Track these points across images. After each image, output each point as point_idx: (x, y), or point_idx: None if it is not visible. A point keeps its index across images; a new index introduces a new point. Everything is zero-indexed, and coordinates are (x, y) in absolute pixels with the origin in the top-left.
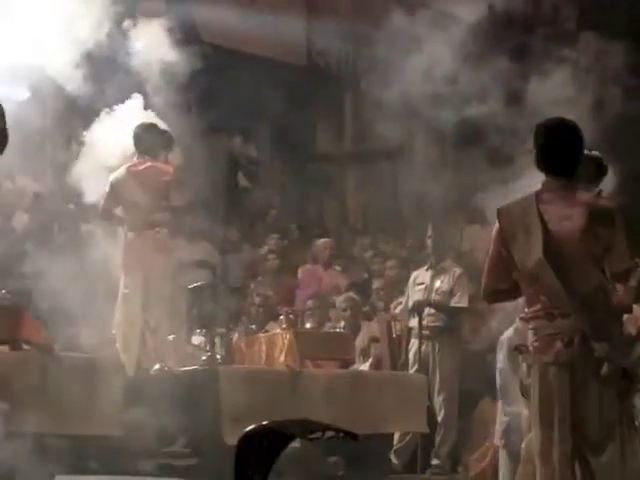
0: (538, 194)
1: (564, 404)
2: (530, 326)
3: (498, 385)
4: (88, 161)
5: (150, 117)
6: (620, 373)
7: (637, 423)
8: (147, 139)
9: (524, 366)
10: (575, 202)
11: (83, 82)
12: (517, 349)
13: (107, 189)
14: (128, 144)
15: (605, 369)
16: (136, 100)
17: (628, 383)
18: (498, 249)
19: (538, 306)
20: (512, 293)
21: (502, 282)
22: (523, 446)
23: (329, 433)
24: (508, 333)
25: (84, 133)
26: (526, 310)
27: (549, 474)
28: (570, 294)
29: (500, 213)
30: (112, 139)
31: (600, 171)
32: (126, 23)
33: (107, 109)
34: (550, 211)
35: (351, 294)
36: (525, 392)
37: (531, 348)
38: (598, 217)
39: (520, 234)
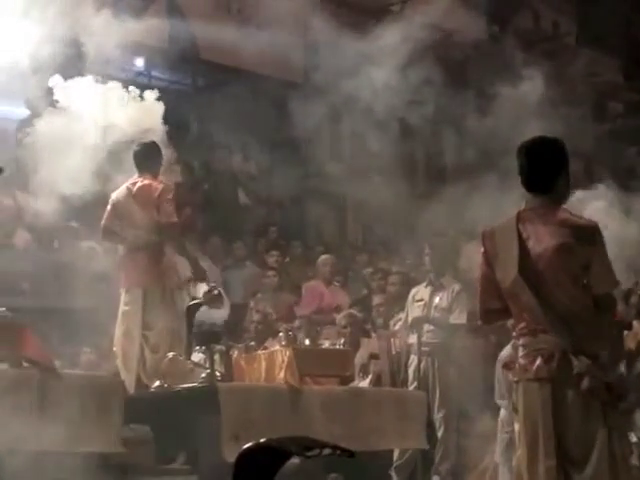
0: (519, 213)
1: (547, 420)
2: (519, 343)
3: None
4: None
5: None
6: (603, 388)
7: (635, 439)
8: (147, 157)
9: (512, 383)
10: (554, 220)
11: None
12: (505, 366)
13: (109, 207)
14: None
15: (586, 384)
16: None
17: (613, 398)
18: (485, 270)
19: (523, 323)
20: (505, 312)
21: (493, 302)
22: (513, 463)
23: (326, 450)
24: (507, 350)
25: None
26: (516, 328)
27: None
28: (548, 311)
29: (484, 235)
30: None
31: None
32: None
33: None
34: (528, 229)
35: (351, 311)
36: (514, 408)
37: (517, 365)
38: (577, 235)
39: (501, 253)
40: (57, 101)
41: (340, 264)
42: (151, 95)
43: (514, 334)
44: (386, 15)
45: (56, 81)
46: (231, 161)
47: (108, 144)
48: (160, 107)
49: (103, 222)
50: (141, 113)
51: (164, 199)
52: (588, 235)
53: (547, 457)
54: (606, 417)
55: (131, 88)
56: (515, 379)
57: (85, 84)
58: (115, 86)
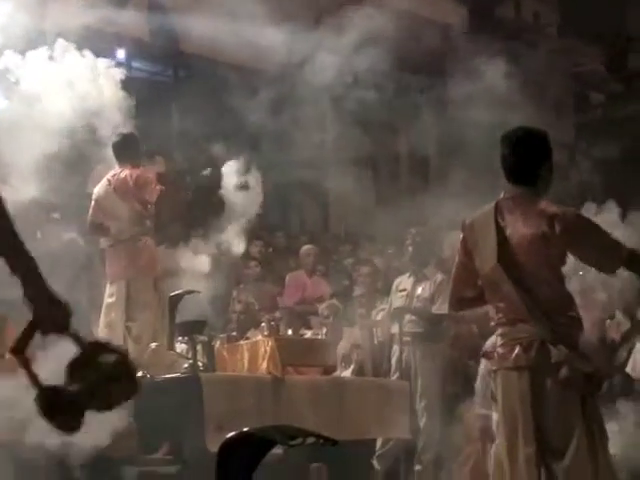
0: (498, 202)
1: (526, 408)
2: (498, 332)
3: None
4: None
5: None
6: (581, 377)
7: (618, 427)
8: (125, 148)
9: (491, 372)
10: (533, 210)
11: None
12: (484, 355)
13: (92, 202)
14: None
15: (564, 373)
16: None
17: (593, 388)
18: (462, 258)
19: (501, 313)
20: (478, 301)
21: (468, 290)
22: (492, 452)
23: (310, 439)
24: (491, 340)
25: None
26: (494, 317)
27: (516, 477)
28: (527, 300)
29: (463, 225)
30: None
31: None
32: None
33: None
34: (507, 219)
35: (333, 301)
36: (493, 397)
37: (496, 354)
38: (555, 225)
39: (480, 242)
40: (16, 82)
41: (323, 254)
42: (104, 63)
43: (492, 324)
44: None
45: (12, 59)
46: (212, 152)
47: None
48: (117, 74)
49: (89, 217)
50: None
51: (142, 183)
52: (568, 224)
53: (526, 445)
54: (585, 406)
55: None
56: (494, 368)
57: (41, 60)
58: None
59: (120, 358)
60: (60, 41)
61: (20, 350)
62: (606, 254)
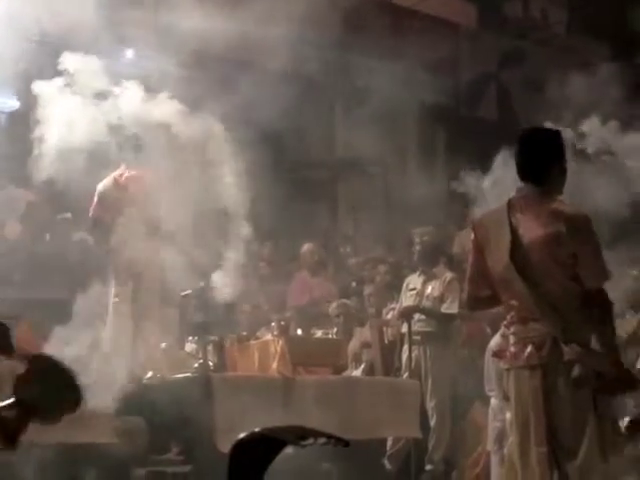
0: (510, 201)
1: (538, 407)
2: (509, 331)
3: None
4: None
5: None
6: (593, 376)
7: (626, 424)
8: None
9: (503, 371)
10: (544, 210)
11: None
12: (496, 355)
13: (95, 199)
14: None
15: (576, 371)
16: None
17: (605, 386)
18: (476, 258)
19: (513, 312)
20: (494, 300)
21: (483, 290)
22: (505, 451)
23: (321, 440)
24: (495, 339)
25: None
26: (506, 316)
27: (529, 477)
28: (539, 298)
29: (475, 223)
30: None
31: None
32: None
33: None
34: (518, 218)
35: (344, 300)
36: (505, 396)
37: (508, 353)
38: (566, 225)
39: (493, 240)
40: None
41: (330, 253)
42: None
43: (504, 323)
44: None
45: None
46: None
47: None
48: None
49: (91, 214)
50: None
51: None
52: (577, 225)
53: (538, 444)
54: (596, 404)
55: None
56: (506, 367)
57: None
58: None
59: (63, 370)
60: None
61: None
62: (592, 270)
